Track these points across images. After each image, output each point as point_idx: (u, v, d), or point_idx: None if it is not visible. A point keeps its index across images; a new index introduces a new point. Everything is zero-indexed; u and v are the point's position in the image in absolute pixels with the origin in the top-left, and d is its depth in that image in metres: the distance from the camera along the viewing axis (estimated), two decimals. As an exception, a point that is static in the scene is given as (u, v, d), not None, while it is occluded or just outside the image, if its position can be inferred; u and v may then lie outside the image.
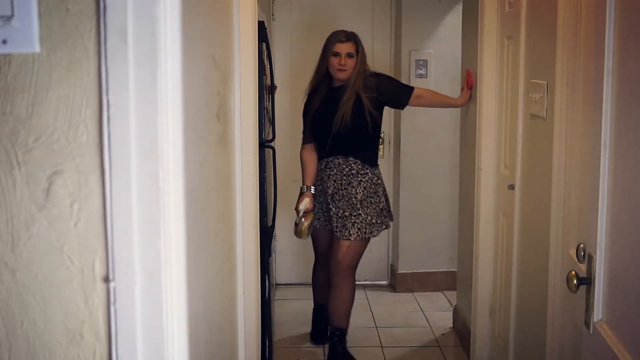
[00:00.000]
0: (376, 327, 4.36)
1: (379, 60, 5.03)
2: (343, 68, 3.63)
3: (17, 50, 1.07)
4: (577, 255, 1.71)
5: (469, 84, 3.68)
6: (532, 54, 2.83)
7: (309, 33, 4.98)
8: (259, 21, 2.95)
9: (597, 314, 1.57)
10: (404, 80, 4.87)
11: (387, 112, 5.04)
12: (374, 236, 3.71)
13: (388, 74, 5.08)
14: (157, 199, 1.09)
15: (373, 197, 3.66)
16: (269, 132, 3.62)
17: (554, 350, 2.46)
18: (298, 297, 4.91)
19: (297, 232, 3.69)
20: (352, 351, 4.02)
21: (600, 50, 1.55)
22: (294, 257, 5.15)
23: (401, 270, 5.03)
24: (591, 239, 1.60)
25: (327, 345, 4.08)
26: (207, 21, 1.67)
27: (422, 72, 4.86)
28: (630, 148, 1.44)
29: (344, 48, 3.65)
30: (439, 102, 3.91)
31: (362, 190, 3.62)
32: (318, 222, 3.79)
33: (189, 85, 1.27)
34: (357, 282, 5.13)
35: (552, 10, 2.49)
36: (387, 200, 3.80)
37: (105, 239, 1.10)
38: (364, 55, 3.75)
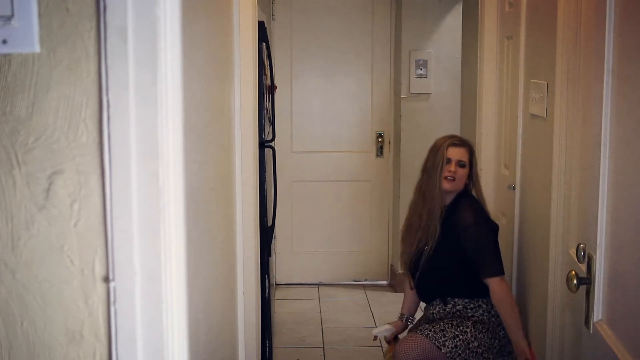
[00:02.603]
0: (376, 327, 4.36)
1: (379, 60, 5.04)
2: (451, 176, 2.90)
3: (17, 50, 1.07)
4: (577, 255, 1.71)
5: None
6: (532, 54, 2.84)
7: (309, 33, 4.99)
8: (259, 21, 2.95)
9: (597, 314, 1.57)
10: (404, 80, 4.88)
11: (387, 112, 5.05)
12: None
13: (388, 74, 5.11)
14: (157, 198, 1.09)
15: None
16: (269, 132, 3.62)
17: (554, 350, 2.46)
18: (298, 297, 4.91)
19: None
20: (352, 351, 4.02)
21: (600, 50, 1.55)
22: (294, 257, 5.15)
23: (401, 270, 5.02)
24: (591, 239, 1.60)
25: (327, 346, 4.08)
26: (207, 21, 1.67)
27: (422, 72, 4.86)
28: (630, 148, 1.44)
29: (456, 153, 2.91)
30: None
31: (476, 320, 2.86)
32: None
33: (189, 85, 1.27)
34: (357, 282, 5.18)
35: (552, 10, 2.49)
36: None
37: (105, 239, 1.10)
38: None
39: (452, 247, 2.87)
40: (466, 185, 2.94)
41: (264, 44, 3.26)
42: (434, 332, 2.82)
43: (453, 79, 4.71)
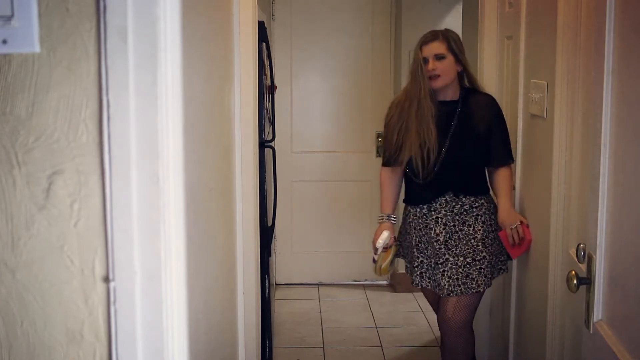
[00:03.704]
0: (376, 327, 4.36)
1: (379, 60, 5.04)
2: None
3: (17, 50, 1.07)
4: (577, 255, 1.71)
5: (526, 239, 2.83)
6: (532, 54, 2.83)
7: (309, 33, 4.98)
8: (259, 21, 2.95)
9: (597, 314, 1.57)
10: (404, 80, 4.87)
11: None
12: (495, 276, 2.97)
13: (388, 74, 5.11)
14: (157, 199, 1.09)
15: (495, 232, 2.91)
16: (269, 132, 3.62)
17: (554, 350, 2.46)
18: (298, 297, 4.91)
19: (376, 270, 3.10)
20: (352, 351, 4.02)
21: (600, 50, 1.55)
22: (294, 257, 5.15)
23: (401, 270, 5.02)
24: (591, 239, 1.60)
25: (327, 346, 4.08)
26: (207, 21, 1.67)
27: (422, 72, 4.85)
28: (630, 148, 1.44)
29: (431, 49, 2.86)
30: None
31: (481, 227, 2.88)
32: (429, 283, 2.94)
33: (189, 85, 1.27)
34: (357, 282, 5.18)
35: (552, 10, 2.49)
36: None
37: (105, 239, 1.10)
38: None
39: (476, 137, 2.86)
40: (462, 80, 2.91)
41: (264, 44, 3.26)
42: (462, 283, 2.82)
43: (453, 79, 4.71)
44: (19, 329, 1.13)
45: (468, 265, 2.83)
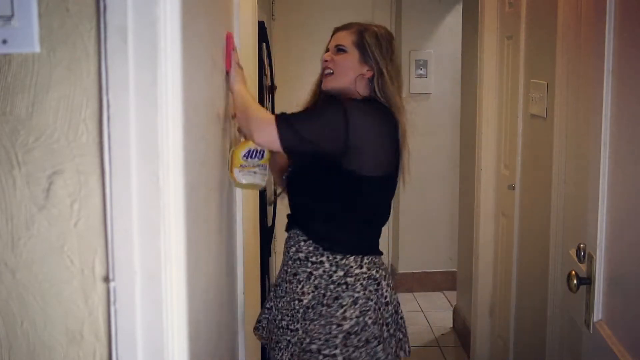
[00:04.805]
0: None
1: (379, 60, 5.04)
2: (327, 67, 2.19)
3: (17, 50, 1.07)
4: (577, 255, 1.71)
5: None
6: (532, 54, 2.84)
7: (309, 33, 4.99)
8: (259, 21, 2.95)
9: (597, 314, 1.57)
10: (404, 80, 4.87)
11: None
12: None
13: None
14: (157, 199, 1.09)
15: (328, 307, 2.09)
16: (269, 132, 3.61)
17: (554, 350, 2.46)
18: (298, 297, 4.90)
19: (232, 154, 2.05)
20: (352, 351, 3.99)
21: (600, 50, 1.55)
22: (294, 257, 5.14)
23: (401, 270, 5.03)
24: (591, 239, 1.60)
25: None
26: (207, 21, 1.66)
27: (422, 72, 4.86)
28: (630, 148, 1.44)
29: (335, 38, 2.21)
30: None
31: (312, 291, 2.12)
32: (262, 333, 2.31)
33: (189, 85, 1.27)
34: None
35: (552, 10, 2.49)
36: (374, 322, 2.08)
37: (105, 239, 1.09)
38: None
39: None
40: (372, 90, 2.13)
41: (264, 44, 3.26)
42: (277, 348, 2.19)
43: (453, 79, 4.71)
44: (19, 329, 1.13)
45: (282, 330, 2.17)
